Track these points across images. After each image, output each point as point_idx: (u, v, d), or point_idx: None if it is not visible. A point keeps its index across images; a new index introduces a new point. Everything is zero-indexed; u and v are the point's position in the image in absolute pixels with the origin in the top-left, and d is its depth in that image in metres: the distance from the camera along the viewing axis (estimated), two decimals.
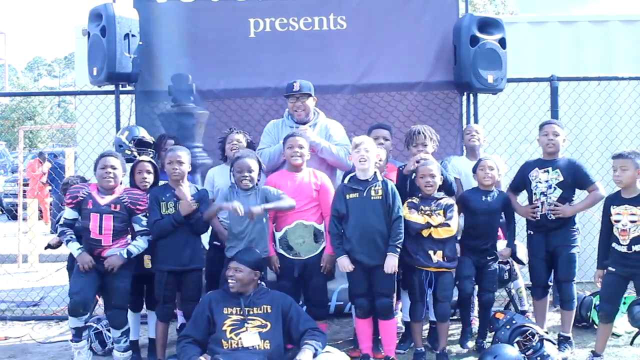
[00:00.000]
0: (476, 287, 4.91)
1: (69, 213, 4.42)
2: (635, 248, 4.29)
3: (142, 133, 5.10)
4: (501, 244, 4.99)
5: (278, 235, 4.62)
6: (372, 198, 4.42)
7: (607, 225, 4.48)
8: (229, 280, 4.14)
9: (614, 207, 4.38)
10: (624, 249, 4.33)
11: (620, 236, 4.34)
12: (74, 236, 4.38)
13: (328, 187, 4.69)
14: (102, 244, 4.35)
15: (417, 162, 4.68)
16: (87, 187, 4.47)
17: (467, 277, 4.76)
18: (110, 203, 4.39)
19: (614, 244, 4.39)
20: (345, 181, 4.54)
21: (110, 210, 4.37)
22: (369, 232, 4.41)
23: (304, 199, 4.60)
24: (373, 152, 4.46)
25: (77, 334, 4.46)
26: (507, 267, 5.19)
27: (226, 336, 4.03)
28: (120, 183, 4.52)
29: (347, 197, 4.46)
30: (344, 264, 4.44)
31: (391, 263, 4.39)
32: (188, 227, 4.48)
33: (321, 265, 4.62)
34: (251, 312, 4.12)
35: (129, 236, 4.50)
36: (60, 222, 4.48)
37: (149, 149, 5.03)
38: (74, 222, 4.43)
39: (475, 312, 5.17)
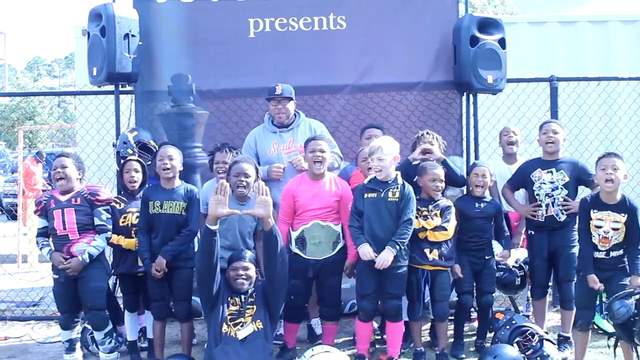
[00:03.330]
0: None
1: (39, 223, 4.48)
2: (614, 254, 4.18)
3: (147, 136, 5.11)
4: (519, 253, 5.02)
5: (294, 234, 4.64)
6: (388, 199, 4.43)
7: (587, 229, 4.24)
8: (239, 280, 4.20)
9: (595, 211, 4.20)
10: (601, 255, 4.20)
11: (600, 243, 4.18)
12: (45, 242, 4.43)
13: (350, 197, 4.68)
14: (70, 239, 4.36)
15: (424, 151, 4.74)
16: (50, 192, 4.55)
17: (467, 292, 4.79)
18: (70, 197, 4.42)
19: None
20: (366, 181, 4.56)
21: (71, 204, 4.39)
22: (382, 233, 4.41)
23: (322, 207, 4.62)
24: (389, 158, 4.43)
25: (70, 347, 4.54)
26: (521, 272, 5.13)
27: (227, 322, 4.15)
28: (80, 181, 4.56)
29: (365, 196, 4.47)
30: (366, 251, 4.38)
31: (384, 256, 4.33)
32: (176, 226, 4.51)
33: (345, 269, 4.66)
34: (247, 304, 4.23)
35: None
36: (36, 234, 4.52)
37: (149, 155, 5.03)
38: (45, 230, 4.46)
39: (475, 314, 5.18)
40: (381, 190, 4.44)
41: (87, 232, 4.40)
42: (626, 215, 4.15)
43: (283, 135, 5.10)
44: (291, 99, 5.13)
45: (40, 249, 4.44)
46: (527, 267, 5.11)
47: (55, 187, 4.59)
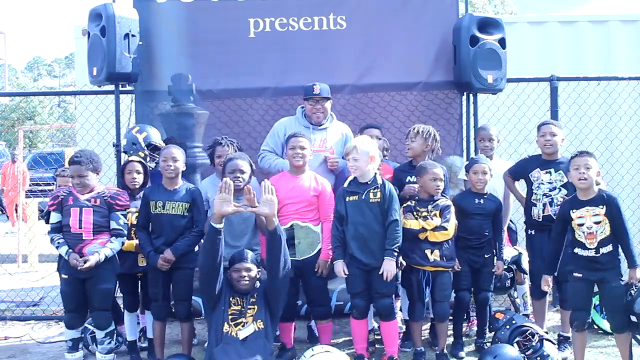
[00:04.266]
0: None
1: (53, 217, 4.43)
2: (603, 250, 4.17)
3: (156, 137, 5.11)
4: (506, 251, 5.03)
5: None
6: (370, 201, 4.44)
7: (561, 230, 4.34)
8: (242, 281, 4.20)
9: (574, 210, 4.23)
10: (591, 253, 4.18)
11: (587, 240, 4.18)
12: (61, 240, 4.37)
13: (328, 194, 4.72)
14: (83, 238, 4.34)
15: (414, 191, 4.72)
16: (68, 187, 4.52)
17: (465, 290, 4.80)
18: (90, 198, 4.41)
19: (577, 250, 4.24)
20: (346, 184, 4.56)
21: (90, 204, 4.38)
22: (367, 234, 4.43)
23: (301, 202, 4.62)
24: (364, 158, 4.43)
25: (74, 346, 4.53)
26: (510, 274, 5.13)
27: (228, 321, 4.16)
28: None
29: (347, 199, 4.48)
30: (338, 268, 4.48)
31: (387, 267, 4.38)
32: (178, 226, 4.51)
33: (315, 270, 4.65)
34: (248, 304, 4.24)
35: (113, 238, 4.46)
36: (49, 230, 4.47)
37: (157, 156, 5.04)
38: (59, 225, 4.41)
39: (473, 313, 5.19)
40: (362, 192, 4.45)
41: (100, 234, 4.39)
42: (605, 207, 4.17)
43: (316, 133, 5.05)
44: (329, 98, 5.10)
45: (57, 247, 4.38)
46: (515, 265, 5.12)
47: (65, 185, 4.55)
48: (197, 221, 4.56)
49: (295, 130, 4.99)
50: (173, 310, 4.68)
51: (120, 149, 5.32)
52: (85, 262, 4.25)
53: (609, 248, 4.18)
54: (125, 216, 4.51)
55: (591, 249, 4.19)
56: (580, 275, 4.25)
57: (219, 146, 4.92)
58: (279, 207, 4.62)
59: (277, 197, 4.58)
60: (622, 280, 4.20)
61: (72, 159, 4.47)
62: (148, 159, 5.00)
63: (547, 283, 4.45)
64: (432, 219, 4.54)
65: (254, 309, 4.20)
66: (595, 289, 4.33)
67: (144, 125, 5.27)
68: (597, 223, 4.17)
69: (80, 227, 4.34)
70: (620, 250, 4.21)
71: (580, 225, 4.21)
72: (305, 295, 4.79)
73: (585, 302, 4.33)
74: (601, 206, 4.18)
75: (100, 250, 4.33)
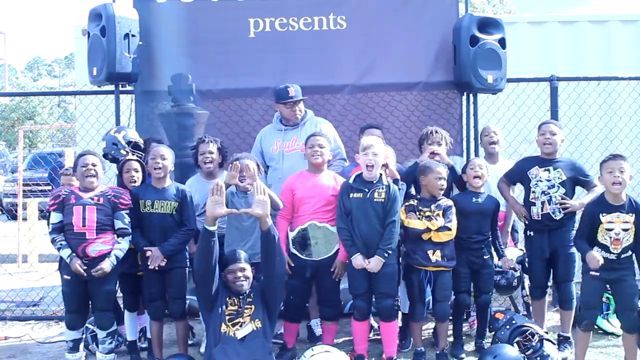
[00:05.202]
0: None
1: (54, 217, 4.40)
2: (624, 255, 4.18)
3: (135, 136, 5.08)
4: (509, 252, 5.02)
5: (291, 235, 4.65)
6: (374, 200, 4.44)
7: (588, 234, 4.21)
8: (238, 282, 4.20)
9: (604, 215, 4.17)
10: (612, 257, 4.18)
11: (612, 245, 4.16)
12: (64, 242, 4.33)
13: None
14: (87, 237, 4.31)
15: (432, 153, 4.76)
16: (69, 187, 4.51)
17: (465, 291, 4.79)
18: (94, 196, 4.40)
19: (600, 252, 4.22)
20: (351, 180, 4.55)
21: (94, 202, 4.37)
22: (368, 234, 4.43)
23: (319, 201, 4.62)
24: (381, 155, 4.46)
25: (74, 347, 4.52)
26: (517, 273, 5.12)
27: (226, 321, 4.16)
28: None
29: (351, 195, 4.47)
30: (358, 261, 4.41)
31: (374, 265, 4.38)
32: (167, 225, 4.53)
33: (332, 270, 4.63)
34: (245, 304, 4.23)
35: (115, 236, 4.44)
36: (49, 230, 4.43)
37: (140, 152, 5.04)
38: (61, 225, 4.38)
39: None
40: (367, 191, 4.44)
41: (103, 233, 4.37)
42: (634, 215, 4.16)
43: (288, 133, 5.09)
44: (303, 98, 5.11)
45: (58, 249, 4.35)
46: (521, 266, 5.12)
47: (57, 185, 4.55)
48: (187, 219, 4.58)
49: (270, 135, 5.11)
50: (166, 311, 4.68)
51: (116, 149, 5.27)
52: (98, 269, 4.26)
53: (629, 253, 4.20)
54: (129, 214, 4.49)
55: (614, 253, 4.18)
56: (598, 274, 4.23)
57: (202, 144, 4.92)
58: (298, 206, 4.64)
59: (297, 197, 4.62)
60: (637, 280, 4.21)
61: (84, 152, 4.55)
62: (130, 155, 4.98)
63: (595, 256, 4.13)
64: (436, 219, 4.54)
65: (251, 308, 4.19)
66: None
67: (120, 126, 5.27)
68: (625, 230, 4.15)
69: (83, 226, 4.33)
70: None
71: (609, 230, 4.16)
72: (317, 294, 4.80)
73: (598, 301, 4.35)
74: (631, 214, 4.16)
75: (110, 253, 4.34)
